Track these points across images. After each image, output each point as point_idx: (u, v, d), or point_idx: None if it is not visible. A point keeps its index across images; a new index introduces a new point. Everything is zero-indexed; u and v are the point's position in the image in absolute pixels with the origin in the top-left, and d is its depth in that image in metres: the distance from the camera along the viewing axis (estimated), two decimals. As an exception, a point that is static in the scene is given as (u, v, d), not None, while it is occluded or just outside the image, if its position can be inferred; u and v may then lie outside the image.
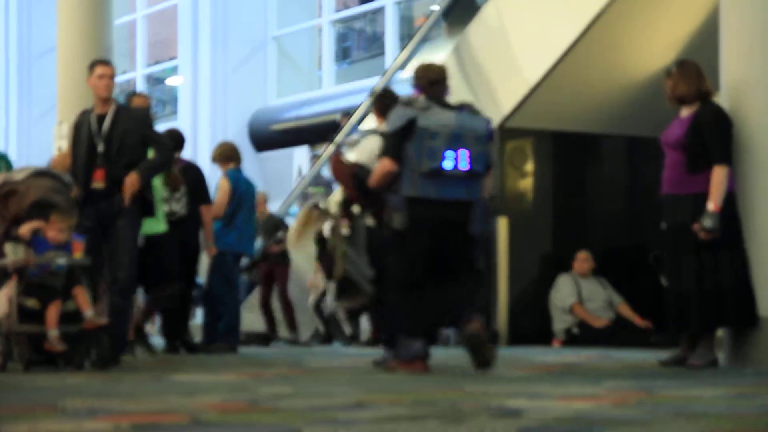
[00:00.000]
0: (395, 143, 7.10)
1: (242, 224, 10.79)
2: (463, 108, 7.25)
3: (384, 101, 7.85)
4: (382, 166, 7.17)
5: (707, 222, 7.38)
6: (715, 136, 7.55)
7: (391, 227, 7.14)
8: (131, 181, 8.06)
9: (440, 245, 7.18)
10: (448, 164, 7.03)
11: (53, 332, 7.38)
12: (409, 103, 7.19)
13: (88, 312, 7.55)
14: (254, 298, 14.26)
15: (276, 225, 13.71)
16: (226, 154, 10.97)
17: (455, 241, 7.21)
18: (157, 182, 8.95)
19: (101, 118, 8.25)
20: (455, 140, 7.04)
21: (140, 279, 8.77)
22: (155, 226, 9.25)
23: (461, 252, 7.27)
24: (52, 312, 7.44)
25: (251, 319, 13.37)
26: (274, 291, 13.65)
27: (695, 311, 7.52)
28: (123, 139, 8.18)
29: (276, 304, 13.68)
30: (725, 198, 7.45)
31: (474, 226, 7.16)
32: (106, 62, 8.49)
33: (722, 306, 7.51)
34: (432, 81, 7.25)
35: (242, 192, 10.81)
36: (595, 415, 4.36)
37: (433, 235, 7.13)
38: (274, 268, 13.52)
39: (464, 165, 7.06)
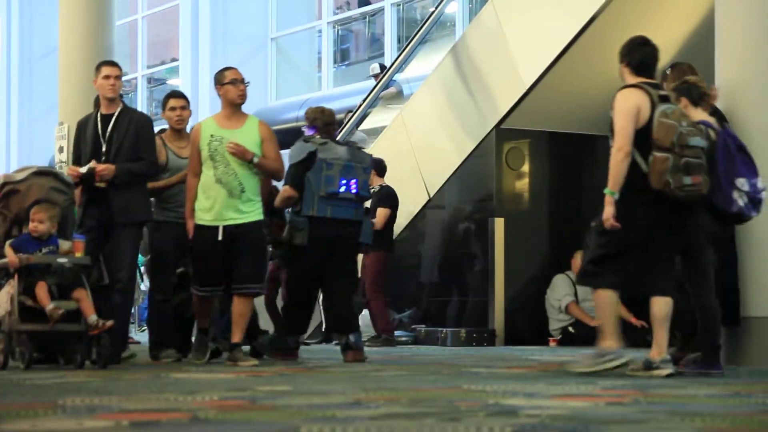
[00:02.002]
0: (296, 173, 8.56)
1: None
2: (349, 144, 9.06)
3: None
4: (284, 192, 8.70)
5: None
6: None
7: (292, 243, 8.52)
8: (106, 168, 8.10)
9: (332, 257, 8.59)
10: (342, 189, 8.56)
11: (50, 306, 7.43)
12: (307, 140, 8.67)
13: (93, 317, 7.57)
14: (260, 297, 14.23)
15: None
16: None
17: (345, 254, 8.71)
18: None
19: (107, 119, 8.28)
20: (347, 170, 8.59)
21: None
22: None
23: (349, 263, 8.86)
24: (41, 291, 7.48)
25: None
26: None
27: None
28: (123, 141, 8.21)
29: (280, 303, 13.64)
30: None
31: (365, 237, 8.75)
32: (112, 63, 8.51)
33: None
34: (327, 122, 8.87)
35: None
36: (590, 414, 4.38)
37: (328, 249, 8.57)
38: (279, 267, 13.49)
39: (354, 190, 8.61)
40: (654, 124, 6.70)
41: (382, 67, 17.23)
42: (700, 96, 7.15)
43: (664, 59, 9.01)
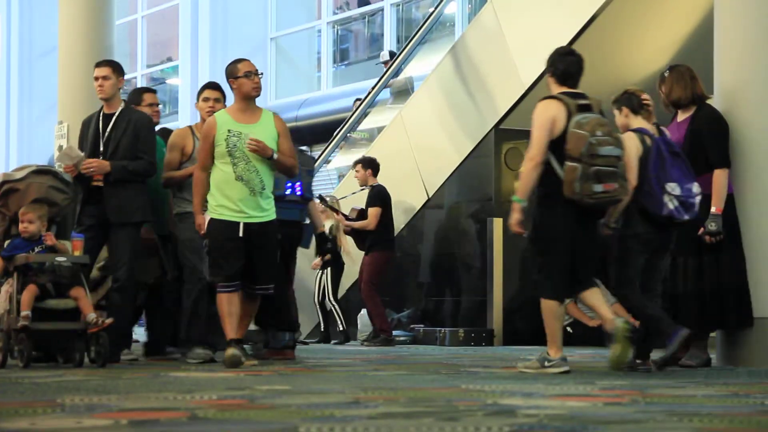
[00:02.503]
0: None
1: None
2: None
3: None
4: None
5: (712, 225, 7.44)
6: (713, 140, 7.59)
7: None
8: (101, 164, 8.11)
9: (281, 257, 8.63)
10: (287, 192, 8.86)
11: (24, 313, 7.43)
12: None
13: (91, 315, 7.58)
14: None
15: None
16: None
17: (288, 254, 9.03)
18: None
19: (107, 118, 8.30)
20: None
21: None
22: None
23: (290, 263, 9.26)
24: (27, 294, 7.49)
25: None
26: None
27: (694, 312, 7.57)
28: (121, 140, 8.22)
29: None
30: (725, 200, 7.52)
31: (304, 242, 9.18)
32: (100, 64, 8.47)
33: (721, 307, 7.55)
34: None
35: None
36: (588, 414, 4.38)
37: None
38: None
39: (299, 192, 8.97)
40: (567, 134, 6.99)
41: (392, 54, 17.16)
42: (640, 104, 7.41)
43: (663, 59, 9.04)
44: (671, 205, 7.12)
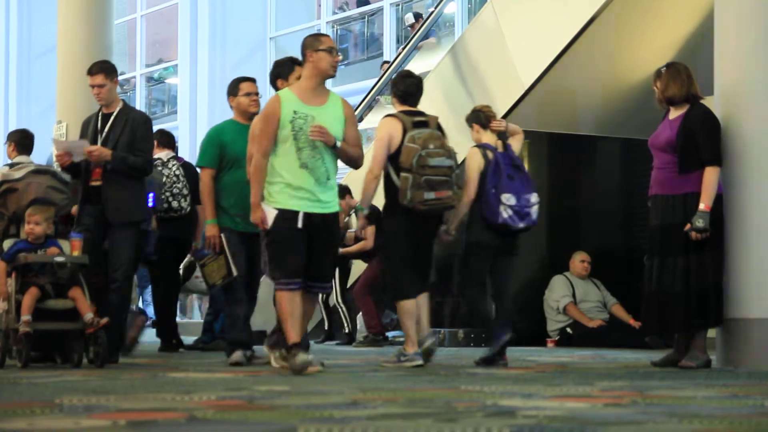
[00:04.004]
0: None
1: None
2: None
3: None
4: None
5: (699, 222, 7.45)
6: (705, 138, 7.61)
7: None
8: (102, 150, 8.07)
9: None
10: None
11: (25, 318, 7.42)
12: None
13: (88, 315, 7.57)
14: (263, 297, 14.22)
15: None
16: None
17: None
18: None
19: (106, 117, 8.31)
20: (149, 184, 8.79)
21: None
22: None
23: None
24: (27, 298, 7.48)
25: (261, 319, 13.36)
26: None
27: (679, 312, 7.59)
28: (119, 139, 8.22)
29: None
30: (714, 199, 7.52)
31: (148, 250, 9.13)
32: (92, 71, 8.38)
33: (704, 306, 7.57)
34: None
35: None
36: (588, 415, 4.38)
37: None
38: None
39: (151, 204, 9.18)
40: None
41: (417, 15, 16.99)
42: (488, 120, 8.20)
43: (663, 60, 9.03)
44: (506, 214, 7.92)
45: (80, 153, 8.10)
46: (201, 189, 8.33)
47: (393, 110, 8.10)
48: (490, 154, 8.04)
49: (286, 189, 7.07)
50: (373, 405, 4.70)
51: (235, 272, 7.98)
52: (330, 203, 7.20)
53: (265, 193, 7.12)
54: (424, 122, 7.90)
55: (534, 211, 8.04)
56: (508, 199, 7.91)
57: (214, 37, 22.66)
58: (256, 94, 8.36)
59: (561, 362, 8.52)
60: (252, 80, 8.49)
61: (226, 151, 8.21)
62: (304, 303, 7.17)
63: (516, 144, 8.29)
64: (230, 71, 22.04)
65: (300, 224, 7.05)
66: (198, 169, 10.75)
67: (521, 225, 8.00)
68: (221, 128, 8.41)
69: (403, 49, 15.48)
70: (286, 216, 7.06)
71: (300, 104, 7.13)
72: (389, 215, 7.86)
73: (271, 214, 7.06)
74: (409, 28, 17.09)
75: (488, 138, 8.15)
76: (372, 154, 7.86)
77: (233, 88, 8.43)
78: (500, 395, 5.28)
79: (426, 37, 15.48)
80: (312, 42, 7.24)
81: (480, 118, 8.21)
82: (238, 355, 8.06)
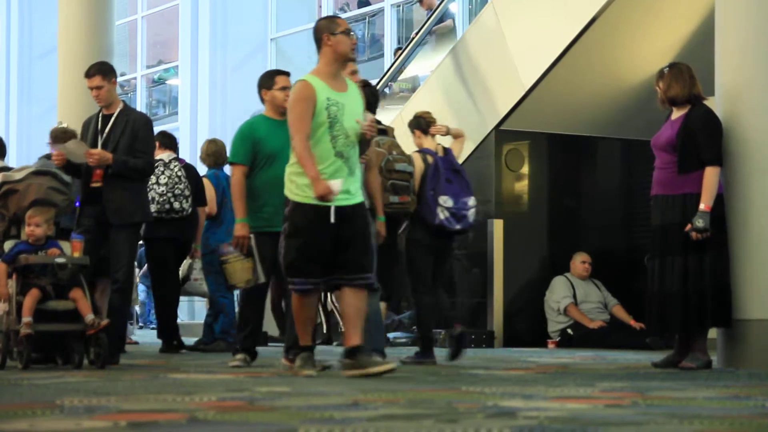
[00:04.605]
0: None
1: (230, 218, 10.85)
2: None
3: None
4: None
5: (699, 222, 7.46)
6: (706, 138, 7.61)
7: None
8: (104, 154, 8.07)
9: None
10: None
11: (26, 320, 7.42)
12: None
13: (89, 316, 7.58)
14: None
15: None
16: (206, 156, 11.15)
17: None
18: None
19: (106, 119, 8.31)
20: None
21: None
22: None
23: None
24: (29, 300, 7.48)
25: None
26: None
27: (678, 312, 7.59)
28: (119, 140, 8.23)
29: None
30: (714, 199, 7.53)
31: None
32: (89, 74, 8.34)
33: (703, 307, 7.57)
34: None
35: (225, 187, 10.81)
36: (589, 416, 4.38)
37: None
38: None
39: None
40: None
41: None
42: (428, 125, 8.59)
43: (664, 60, 9.04)
44: (442, 215, 8.27)
45: (81, 156, 8.11)
46: (232, 186, 7.91)
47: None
48: (430, 159, 8.45)
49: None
50: (373, 406, 4.70)
51: (262, 279, 7.73)
52: (356, 194, 6.86)
53: (292, 187, 6.74)
54: (382, 130, 8.32)
55: (471, 214, 8.45)
56: (445, 201, 8.28)
57: (214, 38, 22.66)
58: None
59: (562, 363, 8.51)
60: (287, 74, 8.07)
61: (260, 147, 7.83)
62: (352, 300, 6.77)
63: (457, 147, 8.74)
64: (231, 72, 22.08)
65: (333, 218, 6.69)
66: (198, 172, 10.81)
67: (458, 227, 8.39)
68: (253, 123, 8.02)
69: (416, 34, 15.40)
70: (318, 211, 6.68)
71: (330, 91, 6.78)
72: None
73: (336, 184, 6.63)
74: (418, 3, 17.02)
75: (429, 143, 8.59)
76: None
77: (267, 81, 8.03)
78: (501, 396, 5.28)
79: (441, 21, 15.41)
80: (328, 25, 6.87)
81: (421, 123, 8.63)
82: (240, 357, 8.02)
